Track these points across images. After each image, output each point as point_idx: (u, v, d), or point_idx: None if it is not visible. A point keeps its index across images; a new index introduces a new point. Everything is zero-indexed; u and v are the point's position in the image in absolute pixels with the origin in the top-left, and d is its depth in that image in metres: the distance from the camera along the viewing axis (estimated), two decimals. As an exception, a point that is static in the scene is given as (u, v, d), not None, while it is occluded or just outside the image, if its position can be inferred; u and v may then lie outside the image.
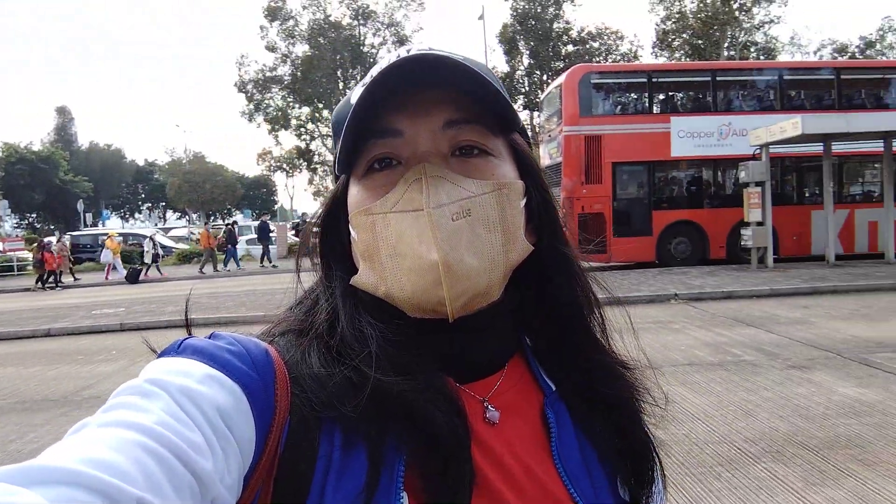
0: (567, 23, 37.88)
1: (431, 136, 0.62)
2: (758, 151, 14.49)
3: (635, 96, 16.97)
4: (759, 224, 14.07)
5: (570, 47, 37.81)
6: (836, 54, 42.84)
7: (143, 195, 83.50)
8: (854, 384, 5.77)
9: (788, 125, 13.01)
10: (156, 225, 64.17)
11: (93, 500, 0.38)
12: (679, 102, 17.35)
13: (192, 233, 44.19)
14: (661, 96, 17.22)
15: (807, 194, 16.70)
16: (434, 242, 0.57)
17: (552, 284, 0.70)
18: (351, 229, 0.66)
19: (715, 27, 37.15)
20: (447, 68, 0.58)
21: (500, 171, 0.65)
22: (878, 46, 42.64)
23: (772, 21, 40.85)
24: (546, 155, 17.43)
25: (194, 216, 68.76)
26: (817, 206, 15.54)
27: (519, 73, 37.51)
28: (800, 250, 15.85)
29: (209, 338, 0.59)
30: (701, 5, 38.10)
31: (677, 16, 39.13)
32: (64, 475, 0.39)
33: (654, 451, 0.71)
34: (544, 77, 36.53)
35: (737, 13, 38.26)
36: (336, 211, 0.70)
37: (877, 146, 14.95)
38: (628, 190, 16.25)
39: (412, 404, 0.57)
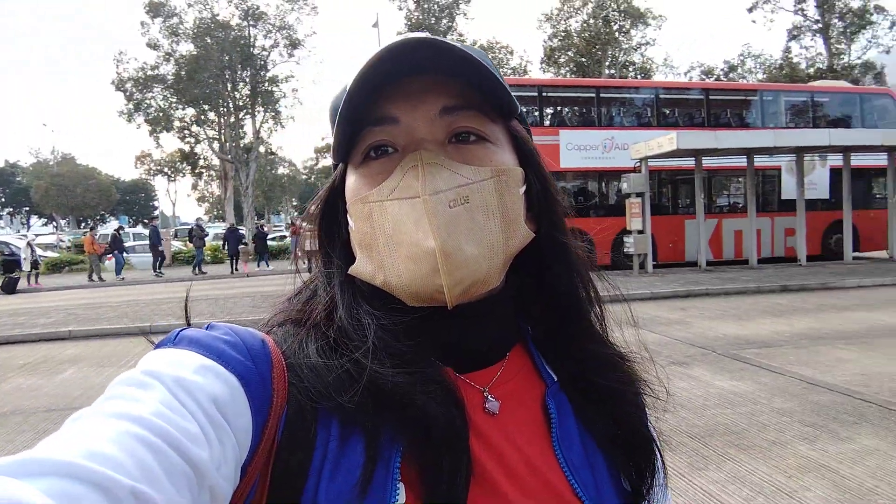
0: (460, 35, 38.71)
1: (428, 123, 0.62)
2: (638, 164, 15.49)
3: (527, 109, 17.54)
4: (640, 232, 15.00)
5: (462, 59, 38.59)
6: (703, 76, 46.49)
7: (2, 199, 76.38)
8: (728, 378, 6.30)
9: (665, 140, 14.01)
10: (18, 231, 58.81)
11: (85, 490, 0.38)
12: (567, 116, 18.20)
13: (61, 240, 40.96)
14: (551, 110, 17.99)
15: (681, 205, 17.96)
16: (431, 230, 0.57)
17: (550, 273, 0.69)
18: (349, 218, 0.66)
19: (597, 47, 39.34)
20: (442, 53, 0.57)
21: (498, 157, 0.64)
22: (739, 70, 46.70)
23: (647, 43, 43.87)
24: (441, 164, 17.72)
25: (63, 222, 63.72)
26: (690, 215, 16.79)
27: (413, 82, 37.81)
28: (675, 256, 17.03)
29: (206, 329, 0.59)
30: (584, 25, 40.20)
31: (563, 34, 41.08)
32: (57, 467, 0.39)
33: (653, 444, 0.70)
34: (438, 87, 37.02)
35: (617, 34, 40.71)
36: (334, 200, 0.69)
37: (741, 162, 16.41)
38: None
39: (408, 396, 0.56)
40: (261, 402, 0.54)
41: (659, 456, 0.70)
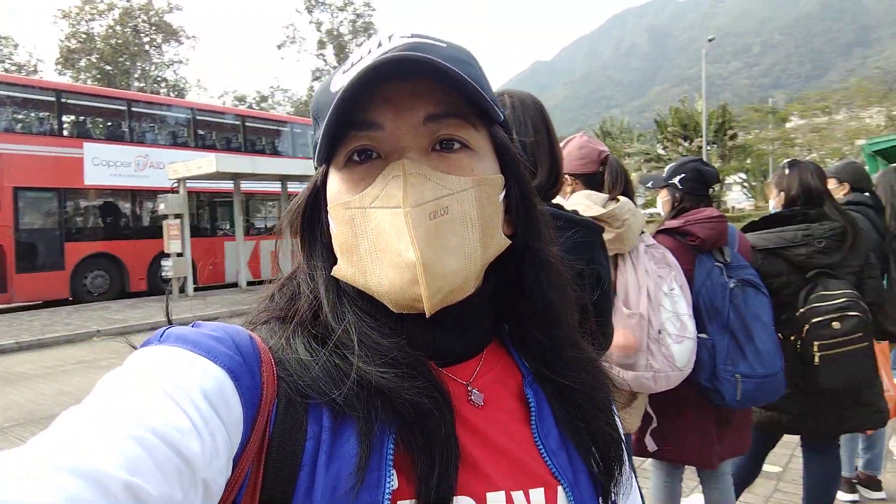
0: None
1: (412, 130, 0.62)
2: (176, 185, 15.00)
3: (41, 115, 15.21)
4: (179, 255, 14.52)
5: (-56, 44, 31.10)
6: (237, 102, 47.96)
7: None
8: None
9: (204, 162, 13.92)
10: None
11: (81, 485, 0.39)
12: (92, 128, 16.47)
13: None
14: (73, 119, 16.00)
15: (221, 227, 18.06)
16: (411, 242, 0.57)
17: (523, 277, 0.71)
18: (330, 220, 0.65)
19: (125, 56, 36.67)
20: (430, 66, 0.58)
21: (480, 165, 0.65)
22: (270, 101, 49.74)
23: (181, 62, 43.01)
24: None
25: None
26: (230, 237, 17.06)
27: None
28: (216, 278, 17.04)
29: (192, 327, 0.58)
30: (110, 31, 37.02)
31: (84, 36, 36.97)
32: (51, 463, 0.40)
33: (618, 441, 0.73)
34: None
35: (147, 47, 38.70)
36: (316, 199, 0.69)
37: (276, 187, 17.53)
38: (35, 219, 14.40)
39: (396, 391, 0.58)
40: (250, 395, 0.55)
41: (624, 452, 0.73)
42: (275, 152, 19.28)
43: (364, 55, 0.63)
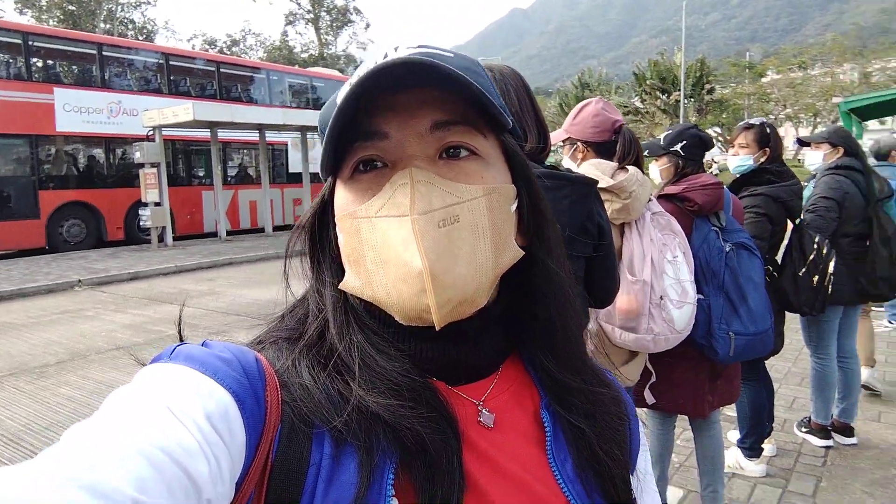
0: None
1: (418, 138, 0.60)
2: (151, 133, 14.71)
3: (8, 58, 14.65)
4: (157, 204, 14.36)
5: None
6: (207, 46, 46.41)
7: None
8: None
9: (181, 110, 13.66)
10: None
11: (89, 499, 0.39)
12: (63, 73, 15.92)
13: None
14: (41, 63, 15.42)
15: (197, 176, 17.82)
16: (419, 251, 0.55)
17: (533, 295, 0.69)
18: (338, 232, 0.64)
19: (90, -4, 35.12)
20: (433, 71, 0.55)
21: (489, 174, 0.63)
22: (241, 45, 48.22)
23: (148, 2, 41.30)
24: None
25: None
26: (207, 186, 16.92)
27: None
28: (194, 228, 16.93)
29: (202, 345, 0.58)
30: (73, -32, 35.34)
31: (45, -27, 35.23)
32: (59, 477, 0.40)
33: (625, 470, 0.69)
34: None
35: (113, -14, 37.05)
36: (324, 213, 0.67)
37: (253, 135, 17.26)
38: (7, 167, 14.06)
39: (398, 419, 0.57)
40: (254, 419, 0.54)
41: (629, 481, 0.70)
42: (250, 100, 18.88)
43: (370, 66, 0.60)
